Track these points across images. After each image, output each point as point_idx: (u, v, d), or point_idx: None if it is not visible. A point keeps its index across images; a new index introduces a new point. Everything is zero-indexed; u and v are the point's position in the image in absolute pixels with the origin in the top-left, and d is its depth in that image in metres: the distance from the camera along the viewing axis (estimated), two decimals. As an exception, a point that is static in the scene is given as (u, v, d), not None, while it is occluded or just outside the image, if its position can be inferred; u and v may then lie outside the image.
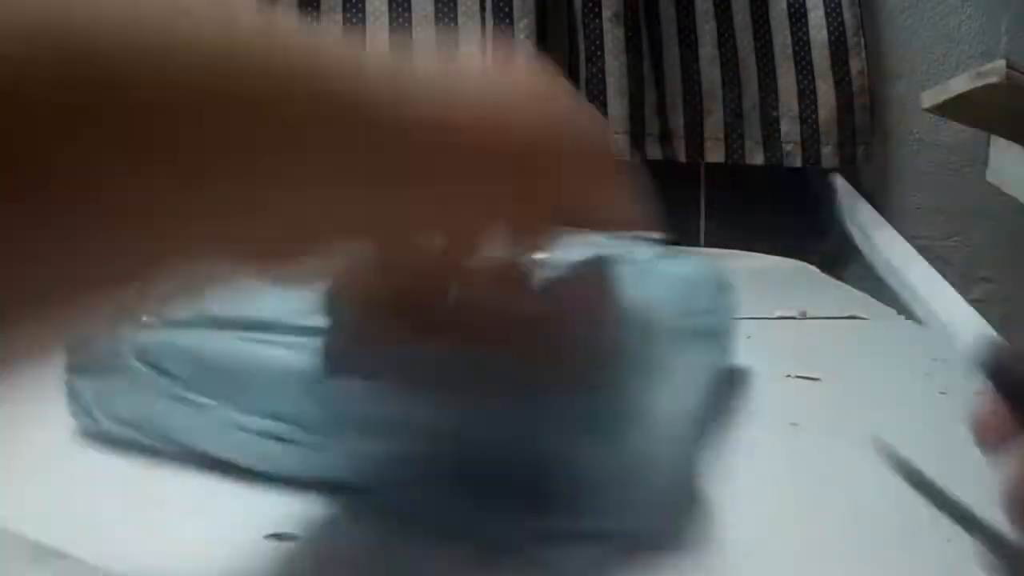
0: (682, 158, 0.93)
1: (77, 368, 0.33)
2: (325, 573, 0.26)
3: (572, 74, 0.89)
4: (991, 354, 0.27)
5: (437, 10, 0.88)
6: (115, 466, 0.32)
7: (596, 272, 0.32)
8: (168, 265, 0.22)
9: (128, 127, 0.18)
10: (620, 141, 0.88)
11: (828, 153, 0.95)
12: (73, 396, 0.34)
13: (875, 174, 1.01)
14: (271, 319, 0.31)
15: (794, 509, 0.30)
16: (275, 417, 0.30)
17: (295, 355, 0.30)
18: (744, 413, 0.34)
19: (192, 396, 0.31)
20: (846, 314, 0.61)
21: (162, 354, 0.32)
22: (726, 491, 0.31)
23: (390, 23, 0.87)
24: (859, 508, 0.30)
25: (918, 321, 0.61)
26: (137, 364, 0.32)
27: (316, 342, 0.30)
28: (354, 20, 0.87)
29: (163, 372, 0.32)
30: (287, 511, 0.28)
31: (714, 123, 0.94)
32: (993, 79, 0.66)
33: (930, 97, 0.76)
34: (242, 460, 0.31)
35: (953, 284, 1.04)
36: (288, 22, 0.23)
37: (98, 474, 0.31)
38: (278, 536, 0.28)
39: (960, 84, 0.70)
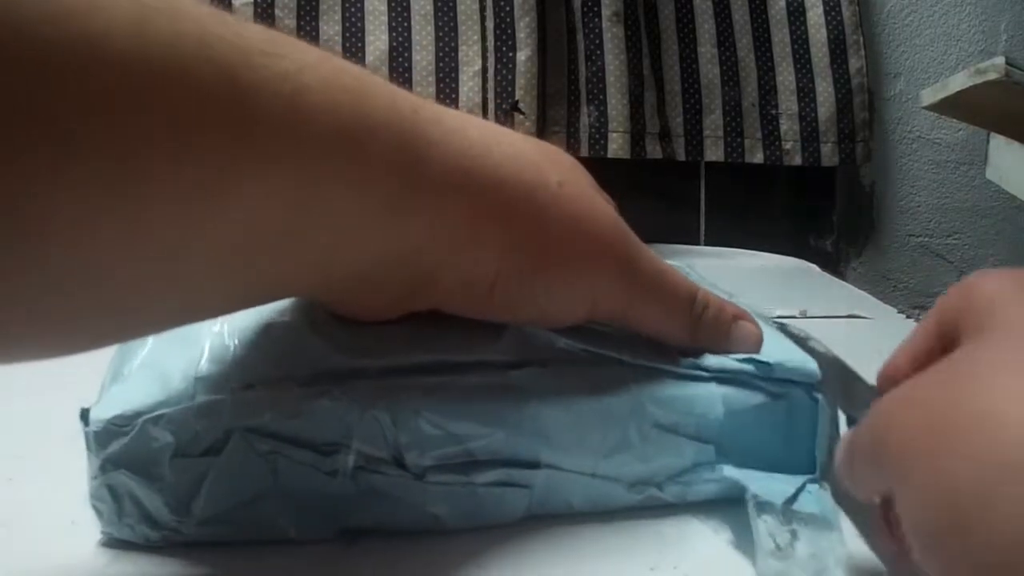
0: (682, 157, 0.93)
1: (122, 461, 0.25)
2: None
3: (572, 74, 0.89)
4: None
5: (436, 9, 0.87)
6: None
7: None
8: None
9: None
10: (620, 140, 0.88)
11: (827, 151, 0.95)
12: (117, 501, 0.26)
13: (875, 172, 1.01)
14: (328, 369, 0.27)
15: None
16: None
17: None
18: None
19: (356, 463, 0.26)
20: (846, 313, 0.61)
21: (292, 418, 0.26)
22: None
23: (389, 22, 0.87)
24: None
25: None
26: (251, 436, 0.26)
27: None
28: (353, 19, 0.87)
29: (297, 441, 0.26)
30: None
31: (713, 122, 0.94)
32: (992, 76, 0.65)
33: (929, 95, 0.76)
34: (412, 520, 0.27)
35: (953, 282, 1.05)
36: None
37: None
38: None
39: (959, 82, 0.70)
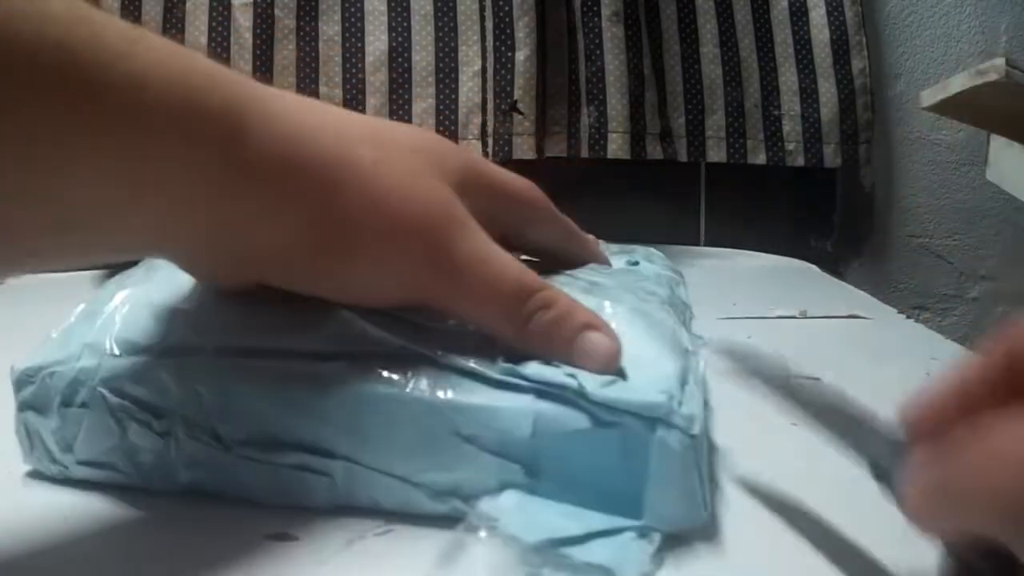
0: (683, 158, 0.93)
1: (31, 405, 0.31)
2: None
3: (572, 73, 0.89)
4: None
5: (436, 9, 0.87)
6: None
7: None
8: None
9: None
10: (620, 141, 0.88)
11: (830, 152, 0.95)
12: (29, 437, 0.31)
13: (875, 173, 1.01)
14: (257, 345, 0.30)
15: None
16: (280, 446, 0.29)
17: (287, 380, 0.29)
18: (744, 413, 0.34)
19: (180, 429, 0.29)
20: (846, 314, 0.61)
21: (139, 384, 0.30)
22: (725, 491, 0.31)
23: (389, 22, 0.87)
24: (860, 508, 0.30)
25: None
26: (108, 395, 0.30)
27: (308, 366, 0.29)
28: (353, 19, 0.87)
29: (141, 404, 0.30)
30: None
31: (716, 122, 0.94)
32: (992, 77, 0.65)
33: (929, 96, 0.76)
34: (259, 494, 0.29)
35: (952, 283, 1.05)
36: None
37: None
38: (277, 536, 0.28)
39: (959, 82, 0.70)
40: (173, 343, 0.30)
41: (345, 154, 0.28)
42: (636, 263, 0.42)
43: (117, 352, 0.30)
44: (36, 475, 0.32)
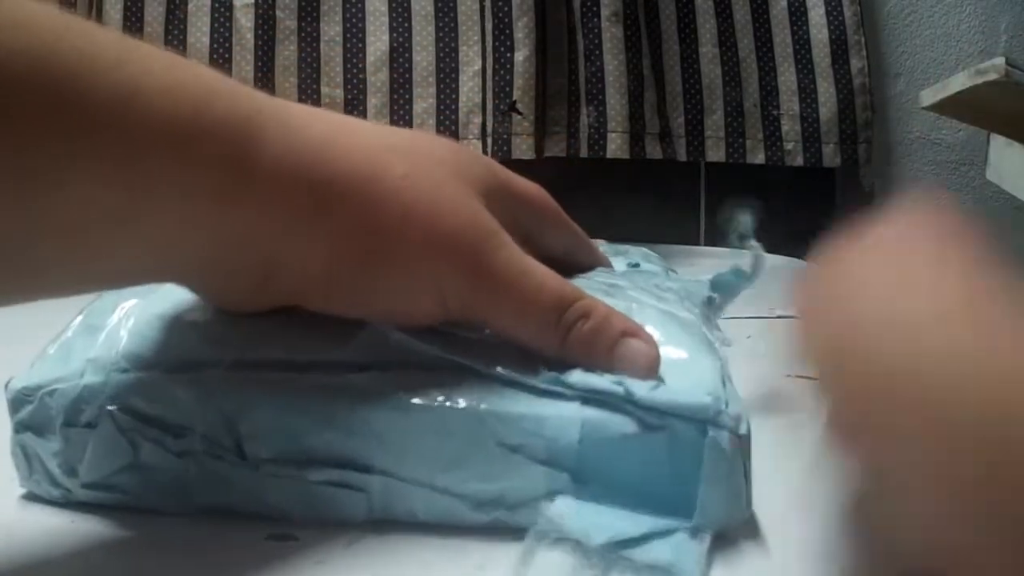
0: (683, 157, 0.93)
1: (29, 425, 0.29)
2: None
3: (572, 74, 0.89)
4: None
5: (437, 10, 0.88)
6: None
7: None
8: None
9: None
10: (619, 140, 0.88)
11: (829, 152, 0.95)
12: (28, 460, 0.30)
13: (875, 172, 1.01)
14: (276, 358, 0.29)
15: (794, 508, 0.30)
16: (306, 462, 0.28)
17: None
18: (758, 404, 0.34)
19: (200, 447, 0.28)
20: (846, 313, 0.61)
21: (152, 401, 0.28)
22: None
23: (390, 23, 0.87)
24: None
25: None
26: (117, 414, 0.28)
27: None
28: (354, 20, 0.87)
29: (154, 422, 0.28)
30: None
31: (715, 122, 0.94)
32: (992, 77, 0.65)
33: (929, 95, 0.76)
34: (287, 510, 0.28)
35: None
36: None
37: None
38: (278, 536, 0.28)
39: (959, 82, 0.70)
40: (186, 357, 0.29)
41: (374, 166, 0.28)
42: (636, 264, 0.42)
43: (125, 367, 0.29)
44: (32, 496, 0.30)
